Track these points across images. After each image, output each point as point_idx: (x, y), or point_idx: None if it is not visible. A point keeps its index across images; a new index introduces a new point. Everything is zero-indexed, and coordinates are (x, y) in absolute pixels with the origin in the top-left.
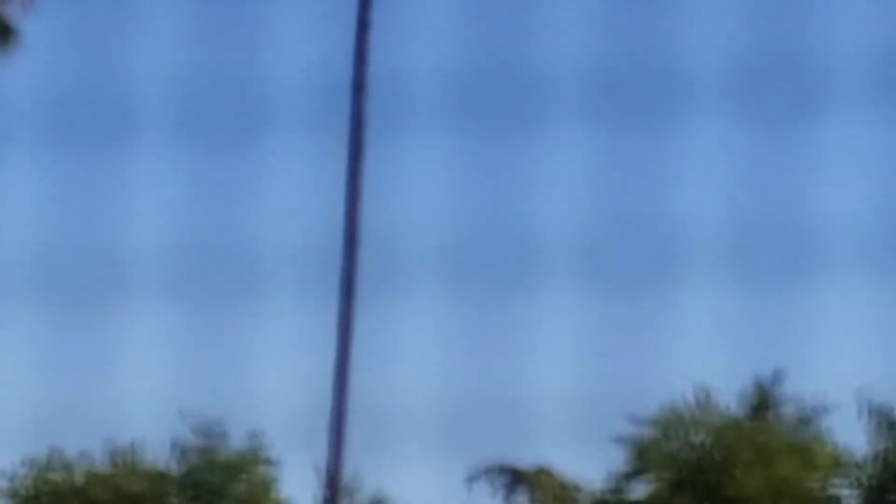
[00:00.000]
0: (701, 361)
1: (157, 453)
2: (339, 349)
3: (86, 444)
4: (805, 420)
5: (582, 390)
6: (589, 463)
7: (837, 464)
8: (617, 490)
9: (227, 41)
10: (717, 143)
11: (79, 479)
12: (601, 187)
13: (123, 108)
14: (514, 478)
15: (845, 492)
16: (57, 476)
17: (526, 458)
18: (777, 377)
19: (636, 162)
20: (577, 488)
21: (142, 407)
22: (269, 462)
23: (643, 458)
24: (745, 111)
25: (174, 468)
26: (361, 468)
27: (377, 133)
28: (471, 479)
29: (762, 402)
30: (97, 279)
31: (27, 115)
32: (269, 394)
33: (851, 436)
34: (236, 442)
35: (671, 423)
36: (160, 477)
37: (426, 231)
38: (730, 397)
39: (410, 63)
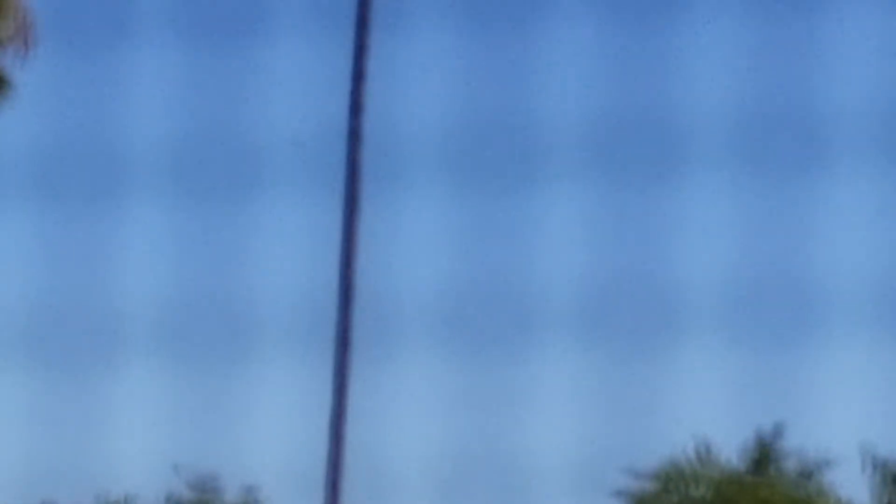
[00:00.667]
0: (702, 415)
1: None
2: (335, 402)
3: (78, 499)
4: (807, 474)
5: (582, 444)
6: None
7: None
8: None
9: (221, 92)
10: (720, 199)
11: None
12: (600, 242)
13: (115, 161)
14: None
15: None
16: None
17: None
18: (778, 431)
19: (637, 218)
20: None
21: (135, 461)
22: None
23: None
24: (748, 168)
25: None
26: None
27: (373, 184)
28: None
29: (764, 456)
30: (91, 334)
31: (18, 167)
32: (264, 448)
33: (855, 490)
34: (231, 496)
35: (671, 478)
36: None
37: (423, 284)
38: (731, 451)
39: (407, 114)
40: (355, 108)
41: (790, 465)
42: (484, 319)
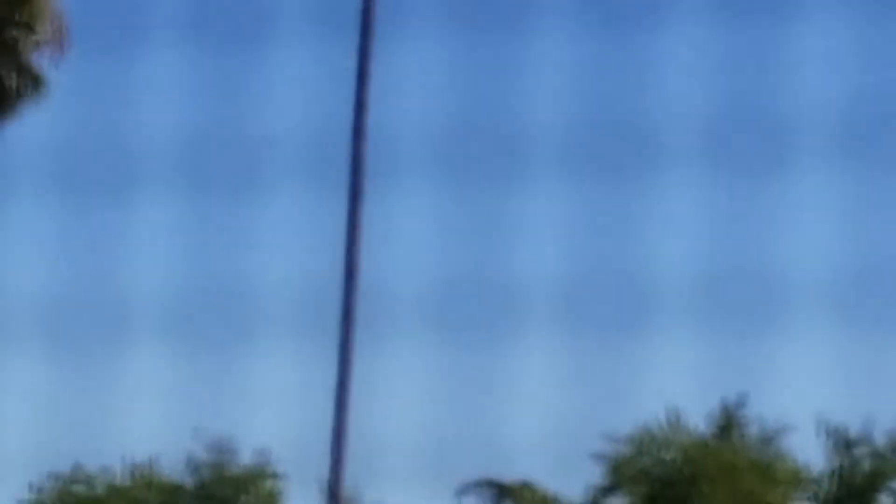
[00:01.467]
0: (673, 387)
1: (173, 468)
2: (339, 380)
3: (107, 460)
4: (767, 440)
5: (564, 414)
6: (569, 478)
7: (797, 480)
8: (594, 503)
9: (230, 92)
10: (688, 197)
11: (100, 491)
12: (582, 237)
13: (131, 158)
14: (500, 491)
15: None
16: (80, 489)
17: (511, 474)
18: (741, 400)
19: (614, 215)
20: (557, 501)
21: (159, 427)
22: (275, 476)
23: (618, 473)
24: (716, 166)
25: (188, 482)
26: (361, 483)
27: (376, 178)
28: (460, 493)
29: (728, 423)
30: (117, 317)
31: (52, 161)
32: (270, 429)
33: (810, 454)
34: (245, 458)
35: (644, 442)
36: (175, 490)
37: (419, 272)
38: (698, 419)
39: (408, 113)
40: (359, 107)
41: (752, 432)
42: (474, 305)
